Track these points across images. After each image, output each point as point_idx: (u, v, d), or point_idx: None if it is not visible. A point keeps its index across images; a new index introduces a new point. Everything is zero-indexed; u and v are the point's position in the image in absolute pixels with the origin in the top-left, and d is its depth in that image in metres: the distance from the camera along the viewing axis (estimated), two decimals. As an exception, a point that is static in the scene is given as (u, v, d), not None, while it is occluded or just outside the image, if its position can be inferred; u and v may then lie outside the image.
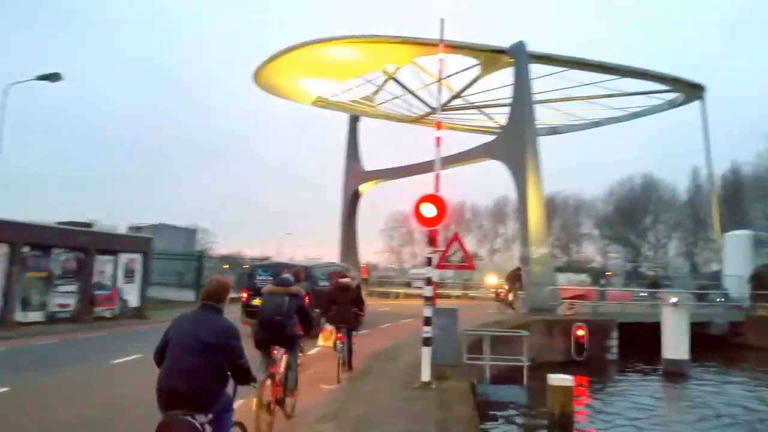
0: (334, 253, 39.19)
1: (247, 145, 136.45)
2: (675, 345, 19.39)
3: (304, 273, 11.66)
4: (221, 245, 73.76)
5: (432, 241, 10.41)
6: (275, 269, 14.31)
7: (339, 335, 10.61)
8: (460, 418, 7.74)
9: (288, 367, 7.44)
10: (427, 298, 9.97)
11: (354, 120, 37.63)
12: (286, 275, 7.96)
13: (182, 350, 4.16)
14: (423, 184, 28.60)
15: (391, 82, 31.13)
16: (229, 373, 4.31)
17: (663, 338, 19.66)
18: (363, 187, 37.26)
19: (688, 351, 19.48)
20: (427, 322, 9.71)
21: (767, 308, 31.41)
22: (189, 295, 25.69)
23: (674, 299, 25.29)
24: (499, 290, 26.37)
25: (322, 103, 33.71)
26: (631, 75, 29.02)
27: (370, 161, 38.74)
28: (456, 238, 12.08)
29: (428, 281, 10.17)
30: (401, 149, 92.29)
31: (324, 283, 17.08)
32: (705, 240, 68.26)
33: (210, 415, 4.15)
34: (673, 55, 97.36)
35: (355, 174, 37.02)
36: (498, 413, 12.46)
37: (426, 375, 9.57)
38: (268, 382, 6.67)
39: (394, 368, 11.21)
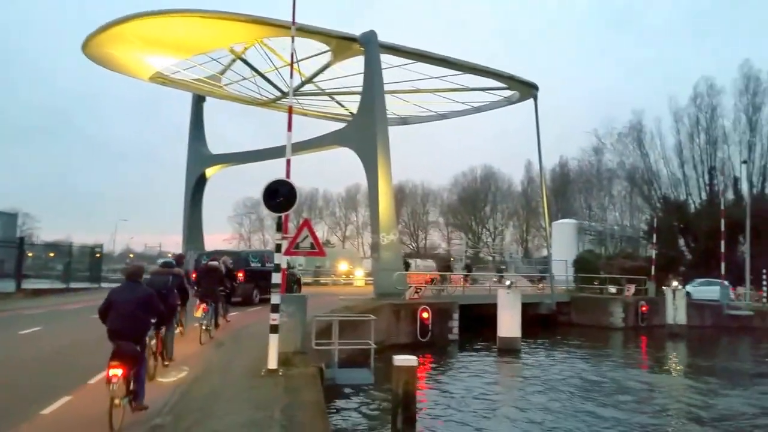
0: (177, 240, 37.56)
1: (78, 124, 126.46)
2: (508, 324, 20.99)
3: (184, 257, 15.99)
4: (46, 231, 68.20)
5: (282, 227, 10.35)
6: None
7: (204, 306, 12.76)
8: (307, 403, 7.79)
9: (167, 328, 9.88)
10: (275, 286, 9.92)
11: (199, 100, 36.04)
12: (169, 259, 11.07)
13: (123, 306, 6.85)
14: (274, 169, 28.20)
15: (240, 63, 30.22)
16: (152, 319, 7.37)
17: (498, 318, 21.19)
18: (209, 172, 35.87)
19: (519, 329, 21.17)
20: (275, 309, 9.64)
21: (588, 289, 34.97)
22: (9, 286, 21.68)
23: (508, 282, 27.25)
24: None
25: (161, 79, 31.74)
26: (473, 71, 30.58)
27: (217, 144, 37.47)
28: (306, 224, 12.09)
29: (277, 268, 10.11)
30: (252, 133, 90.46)
31: (256, 265, 21.45)
32: (536, 228, 74.21)
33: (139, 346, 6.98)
34: (523, 57, 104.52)
35: (200, 157, 35.49)
36: (346, 395, 12.79)
37: (273, 362, 9.50)
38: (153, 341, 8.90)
39: (240, 355, 11.08)
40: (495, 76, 31.70)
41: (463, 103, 36.25)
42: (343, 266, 43.19)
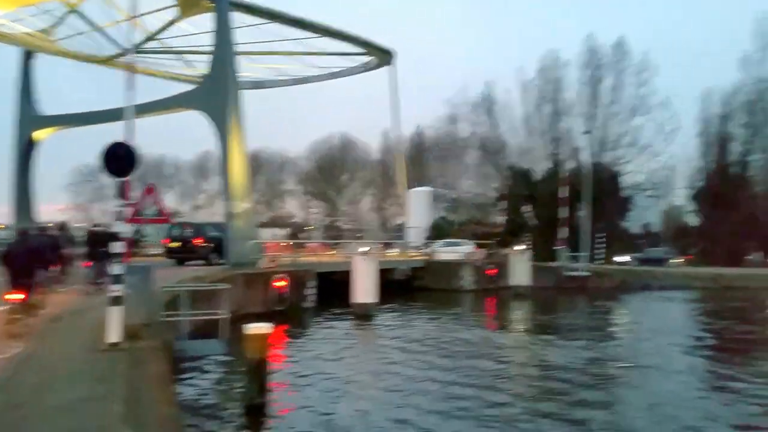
0: (3, 211, 33.90)
1: None
2: (364, 290, 21.27)
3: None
4: None
5: (122, 193, 9.52)
6: (180, 226, 27.24)
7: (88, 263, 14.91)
8: (151, 376, 7.35)
9: None
10: (117, 255, 9.16)
11: (28, 56, 32.47)
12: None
13: (21, 251, 10.14)
14: (116, 134, 26.04)
15: (75, 16, 27.50)
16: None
17: (353, 284, 21.37)
18: (40, 135, 32.55)
19: (375, 294, 21.52)
20: (117, 280, 8.94)
21: (441, 254, 36.34)
22: None
23: (364, 249, 27.61)
24: None
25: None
26: (329, 35, 30.24)
27: (54, 106, 34.01)
28: (150, 190, 11.30)
29: (116, 237, 9.33)
30: (91, 94, 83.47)
31: (214, 234, 25.72)
32: (393, 196, 75.93)
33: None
34: (387, 23, 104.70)
35: (29, 119, 32.05)
36: (196, 367, 12.22)
37: (114, 336, 8.80)
38: None
39: (79, 329, 10.17)
40: (352, 41, 31.57)
41: (320, 68, 35.81)
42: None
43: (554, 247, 37.61)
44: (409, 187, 49.78)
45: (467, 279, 32.18)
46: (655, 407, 9.97)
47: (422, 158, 71.69)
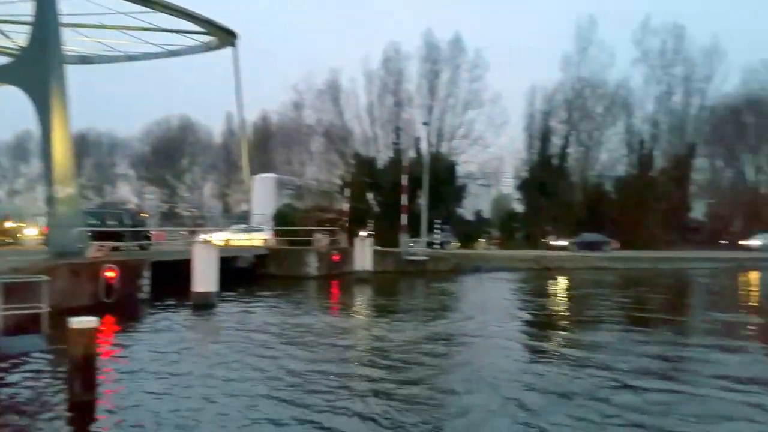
0: None
1: None
2: (204, 279, 20.53)
3: None
4: None
5: None
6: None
7: None
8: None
9: None
10: None
11: None
12: None
13: None
14: None
15: None
16: None
17: (193, 273, 20.58)
18: None
19: (216, 283, 20.88)
20: None
21: (288, 242, 36.18)
22: None
23: (206, 237, 26.70)
24: None
25: None
26: (167, 10, 28.58)
27: None
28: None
29: None
30: None
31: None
32: (237, 182, 74.07)
33: None
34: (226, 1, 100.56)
35: None
36: (14, 365, 11.14)
37: None
38: None
39: None
40: (192, 19, 30.13)
41: (156, 45, 33.82)
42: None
43: (398, 234, 38.92)
44: (254, 173, 48.89)
45: (312, 265, 32.31)
46: (477, 379, 10.72)
47: (267, 144, 70.69)
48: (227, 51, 35.25)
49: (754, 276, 36.59)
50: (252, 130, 68.53)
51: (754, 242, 50.37)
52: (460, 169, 59.64)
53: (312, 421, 8.47)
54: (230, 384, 10.54)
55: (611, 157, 62.91)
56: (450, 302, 25.00)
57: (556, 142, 61.40)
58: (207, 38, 33.22)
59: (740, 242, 52.36)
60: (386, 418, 8.55)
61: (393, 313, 20.51)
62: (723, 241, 56.10)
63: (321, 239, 34.50)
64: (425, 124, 55.30)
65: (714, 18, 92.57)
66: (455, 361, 12.80)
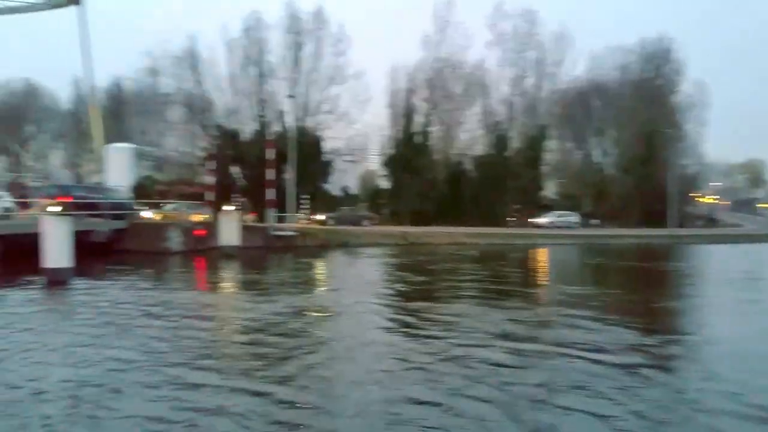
0: None
1: None
2: (56, 254, 19.38)
3: None
4: None
5: None
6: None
7: None
8: None
9: None
10: None
11: None
12: None
13: None
14: None
15: None
16: None
17: (43, 248, 19.36)
18: None
19: (70, 259, 19.77)
20: None
21: (145, 216, 34.73)
22: None
23: (55, 208, 25.00)
24: None
25: None
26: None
27: None
28: None
29: None
30: None
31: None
32: (89, 151, 69.24)
33: None
34: None
35: None
36: None
37: None
38: None
39: None
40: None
41: (-5, 0, 30.82)
42: None
43: (264, 209, 38.67)
44: (108, 142, 46.11)
45: (174, 240, 31.37)
46: (337, 350, 11.23)
47: (122, 112, 66.46)
48: (73, 10, 32.81)
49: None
50: (105, 97, 64.14)
51: (543, 220, 55.47)
52: (327, 145, 60.01)
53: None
54: (76, 367, 9.87)
55: (471, 136, 65.83)
56: (316, 276, 25.45)
57: (419, 120, 63.35)
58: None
59: (531, 220, 56.71)
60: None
61: (257, 287, 20.46)
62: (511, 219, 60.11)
63: (189, 213, 33.54)
64: (290, 96, 54.87)
65: (563, 4, 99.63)
66: (315, 332, 13.17)
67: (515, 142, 64.91)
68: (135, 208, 35.46)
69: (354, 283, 21.97)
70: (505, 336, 12.32)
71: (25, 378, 9.11)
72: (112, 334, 12.34)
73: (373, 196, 64.28)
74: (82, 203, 28.52)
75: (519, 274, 27.55)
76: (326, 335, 12.74)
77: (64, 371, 9.50)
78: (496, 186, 59.36)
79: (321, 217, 47.24)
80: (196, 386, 8.82)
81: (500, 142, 63.63)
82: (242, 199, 43.43)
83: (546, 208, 59.42)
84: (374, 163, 67.14)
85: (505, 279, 24.41)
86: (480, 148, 64.95)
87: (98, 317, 14.10)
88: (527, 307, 16.46)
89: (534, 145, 63.47)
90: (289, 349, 11.17)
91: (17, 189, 37.58)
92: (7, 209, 26.89)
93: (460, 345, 11.48)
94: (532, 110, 65.81)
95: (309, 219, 45.66)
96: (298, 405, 8.10)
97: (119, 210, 31.98)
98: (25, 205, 30.47)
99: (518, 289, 21.58)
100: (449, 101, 64.01)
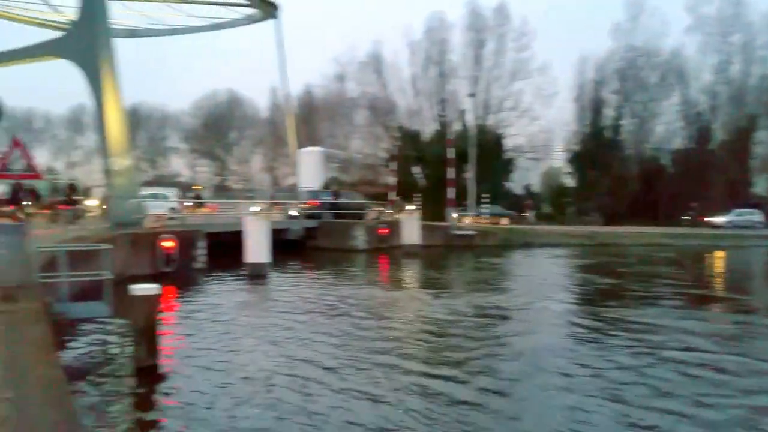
0: None
1: None
2: (256, 250, 20.90)
3: None
4: None
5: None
6: None
7: None
8: (31, 338, 6.85)
9: None
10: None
11: None
12: None
13: None
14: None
15: None
16: None
17: (245, 245, 20.94)
18: None
19: (267, 255, 21.22)
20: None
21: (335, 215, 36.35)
22: None
23: (255, 208, 27.01)
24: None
25: None
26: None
27: None
28: (17, 143, 10.38)
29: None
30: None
31: None
32: (284, 156, 74.63)
33: None
34: None
35: None
36: (80, 330, 11.59)
37: (-16, 299, 8.15)
38: None
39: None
40: (234, -9, 30.15)
41: (200, 17, 33.99)
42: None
43: (445, 208, 38.72)
44: (300, 146, 49.15)
45: (360, 239, 32.45)
46: (527, 356, 10.57)
47: (312, 117, 70.69)
48: (269, 23, 35.18)
49: None
50: (296, 103, 68.69)
51: (720, 219, 47.76)
52: (508, 142, 58.73)
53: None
54: (282, 348, 10.79)
55: (667, 129, 60.62)
56: (500, 277, 24.79)
57: (609, 113, 59.65)
58: (250, 11, 33.22)
59: (707, 219, 48.73)
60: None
61: (442, 286, 20.43)
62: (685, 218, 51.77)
63: (368, 212, 34.68)
64: (471, 95, 54.42)
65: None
66: (500, 334, 12.67)
67: (719, 134, 58.62)
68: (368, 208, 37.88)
69: (536, 284, 21.05)
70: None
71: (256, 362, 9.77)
72: (311, 324, 13.04)
73: (556, 195, 61.75)
74: (328, 205, 33.90)
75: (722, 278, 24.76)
76: (507, 336, 12.24)
77: (279, 353, 10.06)
78: (697, 182, 53.91)
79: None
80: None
81: (702, 134, 57.85)
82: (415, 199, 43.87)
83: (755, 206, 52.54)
84: (558, 160, 64.51)
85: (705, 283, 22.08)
86: (678, 142, 59.65)
87: (297, 308, 14.94)
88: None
89: (742, 136, 56.82)
90: (472, 348, 10.88)
91: (224, 191, 41.33)
92: (172, 209, 29.45)
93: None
94: (739, 99, 58.86)
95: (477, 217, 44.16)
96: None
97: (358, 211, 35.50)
98: (198, 206, 33.79)
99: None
100: (643, 92, 59.51)
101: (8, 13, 31.15)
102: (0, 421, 4.23)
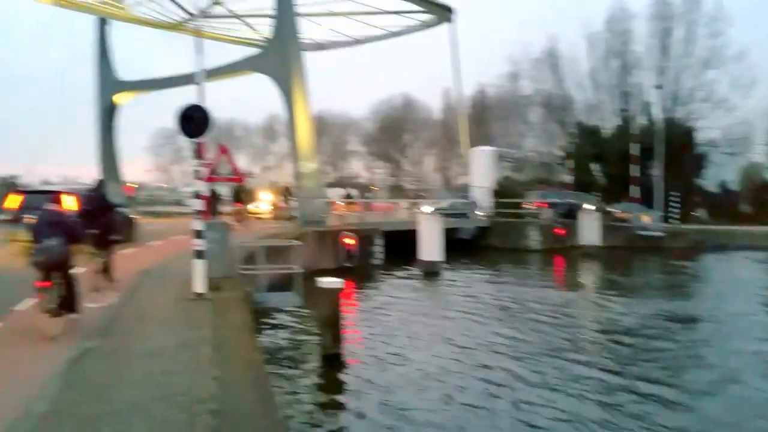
0: (94, 172, 35.53)
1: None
2: (429, 248, 21.49)
3: None
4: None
5: (199, 153, 9.92)
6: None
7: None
8: (235, 324, 7.80)
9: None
10: (198, 212, 9.63)
11: (103, 23, 33.55)
12: None
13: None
14: (191, 98, 26.68)
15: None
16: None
17: (419, 242, 21.62)
18: (120, 99, 33.83)
19: (441, 253, 21.71)
20: (199, 235, 9.45)
21: (506, 214, 36.04)
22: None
23: (429, 208, 27.72)
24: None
25: (62, 2, 29.36)
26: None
27: (131, 71, 35.19)
28: (223, 150, 11.69)
29: (197, 195, 9.78)
30: (165, 59, 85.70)
31: None
32: (456, 156, 75.16)
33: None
34: None
35: (109, 84, 33.31)
36: (274, 317, 12.82)
37: (199, 287, 9.36)
38: None
39: (167, 282, 10.79)
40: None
41: (379, 27, 35.42)
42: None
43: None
44: (472, 146, 49.21)
45: (534, 238, 31.84)
46: (727, 371, 9.81)
47: (484, 117, 70.32)
48: (443, 27, 35.68)
49: None
50: (468, 104, 68.80)
51: None
52: (700, 136, 53.88)
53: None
54: (456, 345, 11.06)
55: None
56: (693, 282, 22.93)
57: (821, 100, 52.44)
58: (425, 17, 33.97)
59: None
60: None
61: (627, 291, 19.17)
62: None
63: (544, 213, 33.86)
64: (658, 87, 50.69)
65: None
66: (688, 340, 11.84)
67: None
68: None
69: (733, 291, 19.20)
70: None
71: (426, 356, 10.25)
72: (484, 323, 13.22)
73: (758, 192, 55.50)
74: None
75: None
76: (700, 346, 11.42)
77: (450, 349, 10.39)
78: None
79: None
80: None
81: None
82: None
83: None
84: (759, 154, 57.92)
85: None
86: None
87: (466, 307, 15.16)
88: None
89: None
90: (665, 355, 10.36)
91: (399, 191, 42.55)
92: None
93: None
94: None
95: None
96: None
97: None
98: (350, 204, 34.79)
99: None
100: None
101: (215, 33, 34.88)
102: (209, 396, 4.94)
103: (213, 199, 27.42)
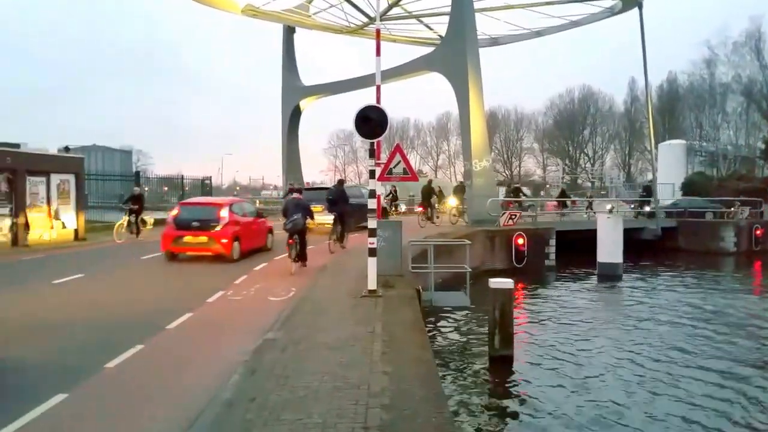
0: (278, 173, 38.38)
1: (178, 61, 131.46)
2: (609, 250, 20.32)
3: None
4: (157, 166, 72.39)
5: (375, 153, 10.30)
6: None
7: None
8: (405, 320, 7.99)
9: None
10: (371, 211, 9.99)
11: (289, 31, 35.98)
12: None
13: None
14: (365, 99, 27.89)
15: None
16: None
17: (598, 244, 20.55)
18: (303, 104, 36.12)
19: (621, 255, 20.46)
20: (372, 233, 9.80)
21: (696, 214, 33.08)
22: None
23: (609, 207, 26.25)
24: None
25: (252, 12, 31.89)
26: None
27: (311, 76, 37.62)
28: (398, 149, 12.00)
29: (372, 194, 10.14)
30: (342, 63, 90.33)
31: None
32: (640, 150, 70.43)
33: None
34: None
35: (294, 89, 35.76)
36: (443, 316, 12.96)
37: (372, 284, 9.72)
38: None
39: (342, 279, 11.38)
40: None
41: (559, 17, 34.03)
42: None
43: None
44: (660, 140, 45.81)
45: (729, 240, 28.90)
46: None
47: (675, 108, 65.01)
48: (626, 15, 33.47)
49: None
50: (657, 94, 64.00)
51: None
52: None
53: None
54: (632, 353, 10.42)
55: None
56: None
57: None
58: (610, 2, 32.08)
59: None
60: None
61: None
62: None
63: (740, 210, 30.59)
64: None
65: None
66: None
67: None
68: None
69: None
70: None
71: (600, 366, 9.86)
72: (665, 332, 12.33)
73: None
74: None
75: None
76: None
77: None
78: None
79: None
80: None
81: None
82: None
83: None
84: None
85: None
86: None
87: (647, 315, 14.17)
88: None
89: None
90: None
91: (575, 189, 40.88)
92: None
93: None
94: None
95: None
96: None
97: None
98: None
99: None
100: None
101: (391, 35, 35.87)
102: (380, 390, 5.14)
103: (393, 199, 28.65)
